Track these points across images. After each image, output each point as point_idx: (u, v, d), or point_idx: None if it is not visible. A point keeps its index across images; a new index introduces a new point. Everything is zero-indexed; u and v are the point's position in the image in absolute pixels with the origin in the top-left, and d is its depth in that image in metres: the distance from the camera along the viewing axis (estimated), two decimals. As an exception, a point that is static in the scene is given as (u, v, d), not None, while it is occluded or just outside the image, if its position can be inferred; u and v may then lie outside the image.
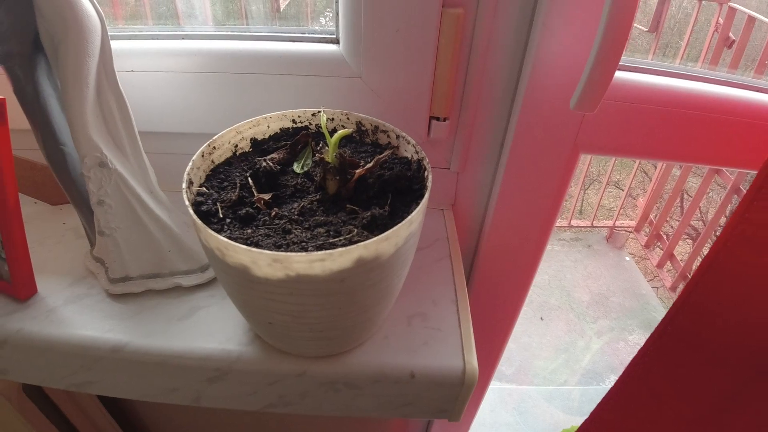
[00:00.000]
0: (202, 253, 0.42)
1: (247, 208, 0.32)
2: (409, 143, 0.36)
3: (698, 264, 0.38)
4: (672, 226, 3.02)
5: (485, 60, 0.43)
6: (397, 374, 0.36)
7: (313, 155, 0.36)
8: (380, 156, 0.35)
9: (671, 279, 2.00)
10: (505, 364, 2.33)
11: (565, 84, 0.42)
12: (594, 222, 2.64)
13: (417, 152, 0.35)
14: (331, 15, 0.47)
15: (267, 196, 0.33)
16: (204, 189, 0.34)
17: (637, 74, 0.45)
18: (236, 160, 0.37)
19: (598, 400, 0.50)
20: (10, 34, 0.33)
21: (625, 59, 0.46)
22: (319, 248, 0.28)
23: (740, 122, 0.45)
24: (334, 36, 0.46)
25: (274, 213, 0.32)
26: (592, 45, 0.33)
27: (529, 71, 0.42)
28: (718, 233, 0.38)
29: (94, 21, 0.35)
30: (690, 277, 0.38)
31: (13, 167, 0.36)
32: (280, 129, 0.40)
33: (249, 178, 0.35)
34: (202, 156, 0.35)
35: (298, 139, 0.37)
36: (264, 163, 0.35)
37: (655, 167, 2.85)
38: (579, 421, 0.54)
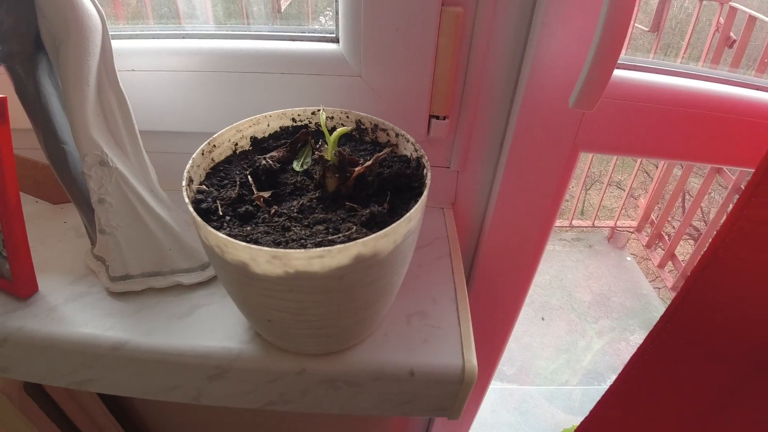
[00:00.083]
0: (202, 251, 0.42)
1: (247, 206, 0.32)
2: (408, 141, 0.36)
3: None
4: (673, 227, 3.01)
5: (485, 58, 0.43)
6: (397, 372, 0.36)
7: (313, 153, 0.36)
8: (379, 154, 0.35)
9: (672, 279, 2.00)
10: (506, 364, 2.32)
11: (565, 83, 0.42)
12: (595, 222, 2.64)
13: (416, 150, 0.35)
14: (331, 14, 0.47)
15: (267, 194, 0.33)
16: (204, 187, 0.34)
17: (637, 72, 0.45)
18: (236, 158, 0.37)
19: (599, 400, 0.50)
20: (11, 34, 0.33)
21: (624, 57, 0.46)
22: (317, 245, 0.28)
23: (740, 120, 0.45)
24: (334, 35, 0.46)
25: (273, 211, 0.32)
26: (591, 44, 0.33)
27: (529, 70, 0.42)
28: (718, 232, 0.38)
29: (95, 20, 0.35)
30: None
31: (15, 166, 0.36)
32: (280, 127, 0.40)
33: (249, 176, 0.35)
34: (202, 154, 0.35)
35: (297, 137, 0.38)
36: (264, 161, 0.35)
37: (657, 167, 2.85)
38: (580, 421, 0.54)
